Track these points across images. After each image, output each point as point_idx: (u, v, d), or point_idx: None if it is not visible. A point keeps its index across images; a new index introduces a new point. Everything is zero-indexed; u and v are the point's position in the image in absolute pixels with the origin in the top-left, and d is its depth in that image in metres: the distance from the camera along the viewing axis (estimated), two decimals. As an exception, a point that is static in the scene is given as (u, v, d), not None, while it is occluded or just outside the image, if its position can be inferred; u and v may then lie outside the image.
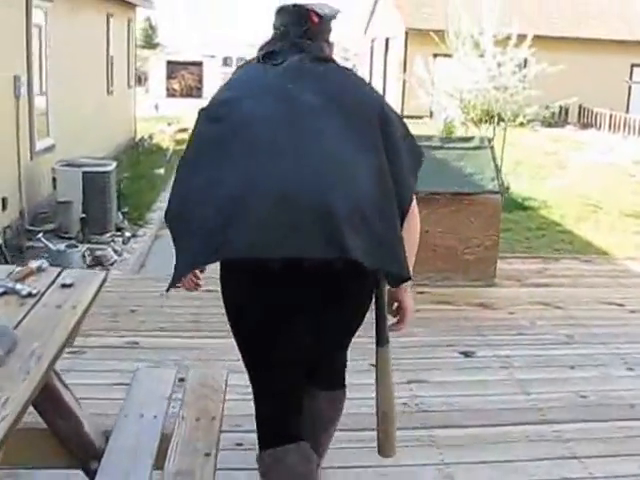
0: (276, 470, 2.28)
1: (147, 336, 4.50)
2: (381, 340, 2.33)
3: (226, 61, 35.76)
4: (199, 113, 2.20)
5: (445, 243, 5.25)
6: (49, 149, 8.81)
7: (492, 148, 5.36)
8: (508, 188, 9.92)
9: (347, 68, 2.45)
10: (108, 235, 8.12)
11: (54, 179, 8.06)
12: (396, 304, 2.33)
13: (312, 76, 2.19)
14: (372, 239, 2.02)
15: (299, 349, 2.24)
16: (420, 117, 24.71)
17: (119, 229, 8.42)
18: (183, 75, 33.57)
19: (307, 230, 1.95)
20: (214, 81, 32.97)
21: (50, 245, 7.18)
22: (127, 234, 8.27)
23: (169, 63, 32.62)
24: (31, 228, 8.03)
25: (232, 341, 2.31)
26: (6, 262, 6.81)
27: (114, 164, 8.37)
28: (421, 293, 5.15)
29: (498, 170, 5.25)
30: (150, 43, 62.15)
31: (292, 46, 2.24)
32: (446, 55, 23.02)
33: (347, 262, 1.99)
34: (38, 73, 8.77)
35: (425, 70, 15.52)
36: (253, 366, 2.30)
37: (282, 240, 1.95)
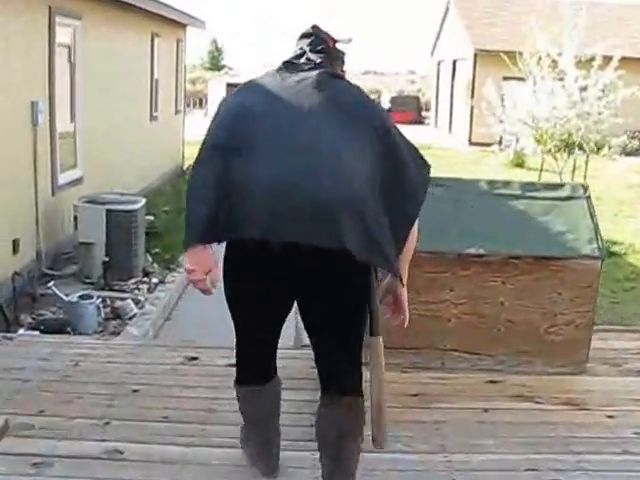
0: (250, 405, 2.78)
1: (137, 441, 3.49)
2: (374, 330, 2.47)
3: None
4: (220, 103, 2.47)
5: (524, 319, 4.12)
6: (75, 182, 7.98)
7: (589, 199, 4.21)
8: (610, 251, 8.36)
9: (357, 86, 2.54)
10: (133, 281, 7.22)
11: (75, 217, 7.20)
12: (391, 296, 2.53)
13: (322, 87, 2.38)
14: (367, 237, 2.25)
15: (276, 313, 2.56)
16: (488, 144, 23.51)
17: (147, 273, 7.52)
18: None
19: (309, 220, 2.20)
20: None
21: (62, 295, 6.30)
22: (154, 280, 7.35)
23: (229, 85, 31.99)
24: (49, 272, 7.18)
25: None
26: (6, 322, 5.94)
27: (142, 201, 7.47)
28: (492, 382, 4.05)
29: (597, 228, 4.11)
30: (216, 65, 62.49)
31: (307, 62, 2.48)
32: (518, 79, 21.87)
33: (340, 253, 2.22)
34: (68, 98, 7.97)
35: (496, 95, 14.36)
36: (238, 317, 2.58)
37: (286, 226, 2.21)
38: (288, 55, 2.52)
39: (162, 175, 12.54)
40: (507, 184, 4.43)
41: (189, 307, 6.88)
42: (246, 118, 2.32)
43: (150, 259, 7.85)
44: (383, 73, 71.31)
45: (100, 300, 6.32)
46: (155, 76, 11.56)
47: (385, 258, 2.30)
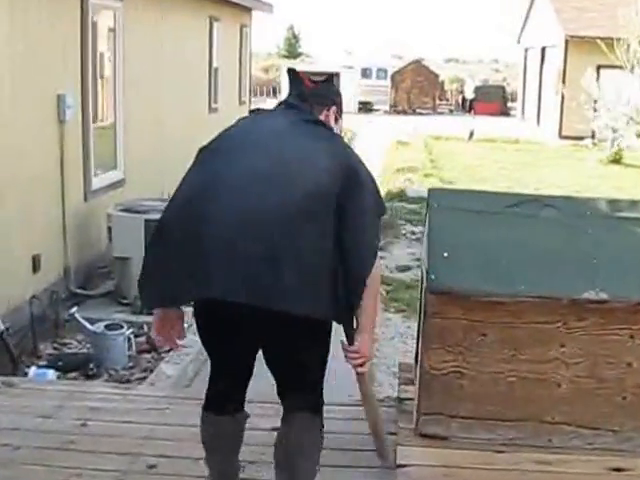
0: (210, 435, 2.73)
1: None
2: None
3: (365, 72, 33.75)
4: (199, 150, 2.63)
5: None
6: (115, 185, 6.98)
7: None
8: None
9: (333, 133, 2.65)
10: (176, 303, 6.16)
11: (109, 228, 6.19)
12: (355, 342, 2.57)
13: (292, 137, 2.53)
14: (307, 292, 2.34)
15: (241, 350, 2.62)
16: (580, 138, 21.81)
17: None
18: (319, 88, 31.82)
19: (249, 276, 2.30)
20: (351, 94, 31.01)
21: (86, 324, 5.30)
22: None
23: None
24: (79, 291, 6.21)
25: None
26: (12, 362, 4.95)
27: (188, 209, 6.41)
28: (617, 470, 2.97)
29: None
30: (293, 53, 61.60)
31: (286, 106, 2.68)
32: (616, 67, 20.16)
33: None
34: (110, 90, 6.99)
35: (595, 85, 12.90)
36: (209, 354, 2.69)
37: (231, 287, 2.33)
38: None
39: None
40: (635, 204, 3.31)
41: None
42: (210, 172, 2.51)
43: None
44: (465, 61, 69.47)
45: (130, 331, 5.29)
46: (214, 64, 10.47)
47: (326, 313, 2.41)
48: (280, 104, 2.73)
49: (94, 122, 6.54)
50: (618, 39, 18.42)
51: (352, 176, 2.45)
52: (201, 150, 2.60)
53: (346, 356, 2.55)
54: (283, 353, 2.55)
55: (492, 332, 3.02)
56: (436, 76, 34.46)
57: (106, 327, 5.22)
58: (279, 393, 2.66)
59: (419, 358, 3.27)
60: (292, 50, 62.54)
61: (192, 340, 5.51)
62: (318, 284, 2.34)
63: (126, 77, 7.15)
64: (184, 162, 8.56)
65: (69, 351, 5.38)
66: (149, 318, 5.85)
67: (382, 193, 2.74)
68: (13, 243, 5.34)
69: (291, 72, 2.70)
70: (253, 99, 15.20)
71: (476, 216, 3.21)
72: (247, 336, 2.52)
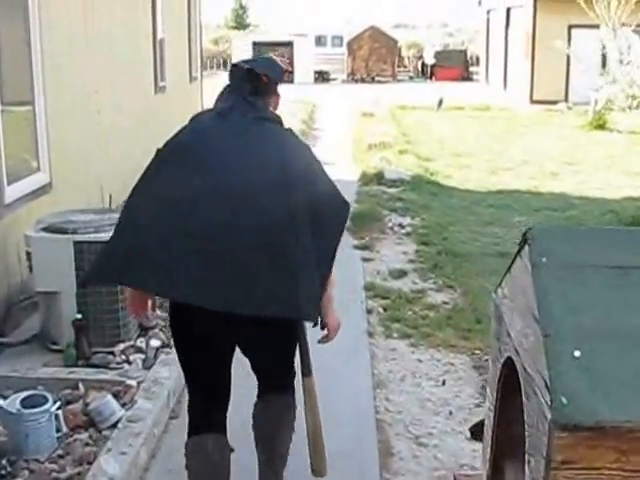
0: (195, 457, 2.80)
1: None
2: (306, 371, 2.85)
3: (319, 40, 32.17)
4: (157, 151, 2.73)
5: None
6: (38, 193, 5.48)
7: None
8: None
9: (285, 128, 2.82)
10: (122, 347, 4.75)
11: (28, 255, 4.70)
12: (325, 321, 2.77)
13: (251, 135, 2.67)
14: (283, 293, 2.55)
15: (216, 357, 2.81)
16: (553, 102, 20.63)
17: (145, 329, 5.04)
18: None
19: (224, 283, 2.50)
20: (306, 63, 29.43)
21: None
22: (154, 343, 4.83)
23: (255, 44, 29.22)
24: (-9, 338, 4.74)
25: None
26: None
27: (133, 223, 4.95)
28: None
29: None
30: (241, 24, 59.62)
31: (243, 102, 2.72)
32: (588, 26, 18.95)
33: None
34: (25, 66, 5.46)
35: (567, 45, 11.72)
36: (183, 366, 2.89)
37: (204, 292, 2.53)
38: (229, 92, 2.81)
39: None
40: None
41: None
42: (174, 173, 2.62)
43: (150, 303, 5.35)
44: (415, 26, 68.25)
45: (57, 405, 3.85)
46: (159, 36, 8.82)
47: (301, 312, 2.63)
48: (230, 99, 2.78)
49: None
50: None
51: (311, 177, 2.66)
52: (162, 151, 2.70)
53: (324, 339, 2.85)
54: (260, 347, 2.82)
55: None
56: (395, 42, 32.98)
57: (23, 402, 3.77)
58: (255, 373, 2.96)
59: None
60: (240, 21, 60.83)
61: (145, 409, 4.16)
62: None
63: (48, 53, 5.59)
64: (127, 158, 6.90)
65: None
66: (84, 375, 4.47)
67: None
68: None
69: (248, 71, 2.77)
70: (204, 73, 13.61)
71: (607, 275, 1.87)
72: (223, 338, 2.73)
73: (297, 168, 2.62)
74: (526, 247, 1.91)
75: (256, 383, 3.05)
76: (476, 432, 3.29)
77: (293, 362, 2.94)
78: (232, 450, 2.89)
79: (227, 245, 2.46)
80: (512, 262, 2.08)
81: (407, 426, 4.19)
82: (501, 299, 2.19)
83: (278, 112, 2.89)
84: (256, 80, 2.74)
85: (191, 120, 2.78)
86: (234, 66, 2.83)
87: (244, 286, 2.45)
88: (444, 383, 4.67)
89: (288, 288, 2.50)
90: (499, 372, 2.20)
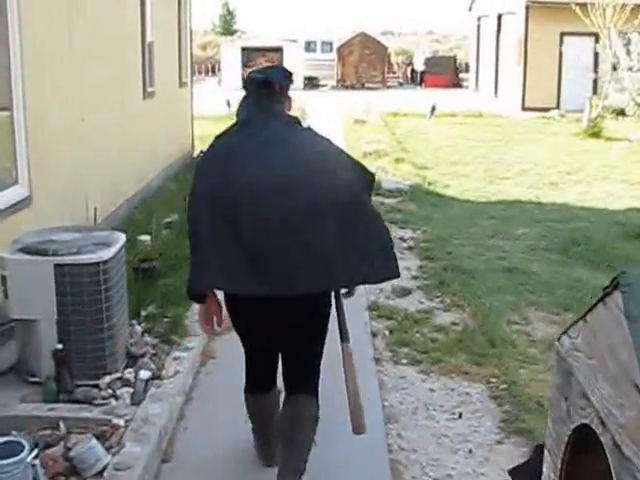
0: (250, 408, 3.46)
1: None
2: (345, 337, 3.16)
3: (309, 46, 31.82)
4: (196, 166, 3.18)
5: None
6: (16, 208, 5.05)
7: None
8: None
9: (308, 128, 3.18)
10: (107, 380, 4.32)
11: (3, 278, 4.27)
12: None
13: (285, 144, 3.00)
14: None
15: (267, 339, 3.24)
16: (545, 110, 20.32)
17: (133, 357, 4.62)
18: (261, 63, 29.74)
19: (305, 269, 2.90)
20: (296, 69, 29.05)
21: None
22: (144, 375, 4.40)
23: (244, 50, 28.77)
24: (-37, 370, 4.31)
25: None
26: None
27: (120, 240, 4.54)
28: None
29: None
30: (228, 29, 59.38)
31: (262, 110, 3.05)
32: (580, 34, 18.70)
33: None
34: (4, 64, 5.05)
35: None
36: (243, 342, 3.33)
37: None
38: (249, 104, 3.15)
39: (164, 169, 9.58)
40: None
41: (202, 438, 3.98)
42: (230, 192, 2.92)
43: (139, 329, 4.93)
44: (401, 33, 68.48)
45: (35, 453, 3.42)
46: (148, 38, 8.38)
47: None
48: (251, 109, 3.11)
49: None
50: (584, 4, 17.07)
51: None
52: (204, 161, 3.13)
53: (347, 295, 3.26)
54: (298, 339, 3.20)
55: None
56: (385, 48, 32.68)
57: (-2, 447, 3.35)
58: (285, 377, 3.32)
59: None
60: (227, 27, 60.73)
61: (134, 455, 3.74)
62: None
63: (31, 57, 5.17)
64: (114, 168, 6.44)
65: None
66: (66, 412, 4.01)
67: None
68: None
69: (264, 81, 3.08)
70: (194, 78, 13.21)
71: None
72: (275, 317, 3.08)
73: (332, 155, 3.07)
74: (617, 295, 1.53)
75: None
76: (519, 476, 2.88)
77: (319, 366, 3.28)
78: (280, 392, 3.44)
79: (307, 232, 2.83)
80: (590, 308, 1.69)
81: (424, 467, 3.81)
82: (570, 351, 1.80)
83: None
84: (271, 88, 3.08)
85: (217, 138, 3.11)
86: (250, 78, 3.15)
87: (337, 261, 2.86)
88: (460, 416, 4.29)
89: (383, 250, 3.00)
90: (568, 437, 1.81)
